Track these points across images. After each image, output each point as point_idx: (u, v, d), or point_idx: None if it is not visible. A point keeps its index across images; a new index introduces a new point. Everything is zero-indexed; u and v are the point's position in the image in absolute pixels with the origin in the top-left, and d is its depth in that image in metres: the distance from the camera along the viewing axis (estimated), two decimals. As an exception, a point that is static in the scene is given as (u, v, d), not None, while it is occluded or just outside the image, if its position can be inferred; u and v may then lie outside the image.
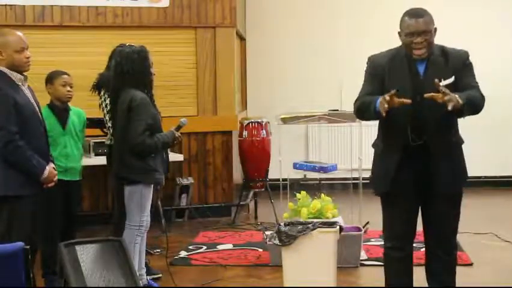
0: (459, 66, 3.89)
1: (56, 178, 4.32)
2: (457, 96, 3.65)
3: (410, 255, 4.08)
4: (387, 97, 3.68)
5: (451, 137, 3.94)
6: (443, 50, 3.92)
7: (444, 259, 4.05)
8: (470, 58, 3.95)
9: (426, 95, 3.69)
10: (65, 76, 5.12)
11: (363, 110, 3.93)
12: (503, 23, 9.59)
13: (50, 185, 4.27)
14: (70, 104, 5.20)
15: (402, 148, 3.88)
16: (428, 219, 4.05)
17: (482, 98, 3.84)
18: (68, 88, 5.09)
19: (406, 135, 3.86)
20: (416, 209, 4.02)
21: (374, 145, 4.11)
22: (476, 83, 3.91)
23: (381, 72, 3.92)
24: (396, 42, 4.04)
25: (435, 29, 3.86)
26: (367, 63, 4.02)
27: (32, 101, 4.22)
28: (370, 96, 3.89)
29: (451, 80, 3.80)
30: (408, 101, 3.71)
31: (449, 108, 3.61)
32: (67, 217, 5.05)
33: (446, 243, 4.05)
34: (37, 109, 4.25)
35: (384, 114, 3.69)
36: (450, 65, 3.87)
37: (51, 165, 4.29)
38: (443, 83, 3.76)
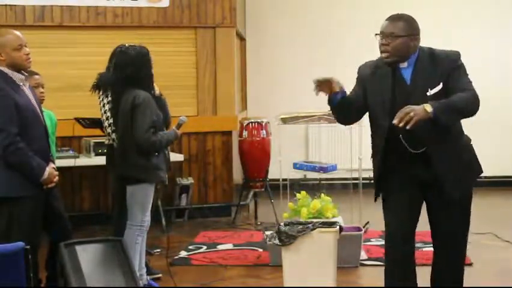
0: (447, 69, 3.77)
1: (56, 179, 4.31)
2: (423, 106, 3.56)
3: (408, 256, 3.96)
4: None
5: (452, 140, 3.84)
6: (432, 54, 3.83)
7: (449, 262, 3.97)
8: (461, 59, 3.83)
9: (393, 121, 3.61)
10: (37, 77, 4.93)
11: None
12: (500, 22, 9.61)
13: (50, 185, 4.26)
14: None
15: (398, 154, 3.81)
16: (433, 221, 3.98)
17: (471, 99, 3.70)
18: (41, 89, 4.92)
19: (401, 144, 3.80)
20: (414, 210, 3.92)
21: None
22: (468, 83, 3.77)
23: (363, 83, 3.93)
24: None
25: (415, 37, 3.78)
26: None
27: (33, 101, 4.21)
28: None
29: (439, 87, 3.73)
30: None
31: (409, 127, 3.55)
32: (54, 222, 4.72)
33: (452, 246, 3.96)
34: (38, 109, 4.24)
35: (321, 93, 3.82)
36: (438, 70, 3.77)
37: (52, 165, 4.28)
38: (431, 92, 3.72)
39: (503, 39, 9.59)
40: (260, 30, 9.62)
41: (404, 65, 3.81)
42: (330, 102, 3.90)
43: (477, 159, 3.95)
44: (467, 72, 3.83)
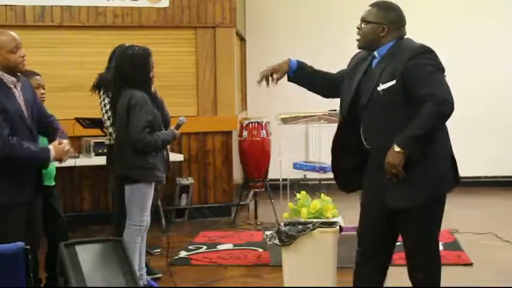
0: (402, 65, 3.53)
1: (67, 148, 4.11)
2: (392, 151, 3.46)
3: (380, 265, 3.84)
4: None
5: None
6: (399, 45, 3.63)
7: (411, 275, 3.74)
8: (425, 55, 3.54)
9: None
10: (38, 77, 4.84)
11: None
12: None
13: (65, 158, 4.09)
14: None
15: (356, 151, 3.76)
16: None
17: (430, 117, 3.43)
18: (42, 90, 4.85)
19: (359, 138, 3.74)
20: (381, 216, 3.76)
21: None
22: (430, 88, 3.43)
23: (346, 70, 3.96)
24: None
25: (386, 27, 3.64)
26: None
27: (23, 105, 4.07)
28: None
29: (390, 84, 3.54)
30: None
31: (402, 178, 3.49)
32: (52, 223, 4.82)
33: (410, 259, 3.73)
34: (25, 114, 4.07)
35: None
36: (395, 64, 3.56)
37: (55, 142, 4.12)
38: (382, 87, 3.57)
39: (505, 39, 9.59)
40: (260, 30, 9.62)
41: (376, 55, 3.72)
42: (288, 78, 4.18)
43: (443, 175, 3.62)
44: (434, 69, 3.52)
